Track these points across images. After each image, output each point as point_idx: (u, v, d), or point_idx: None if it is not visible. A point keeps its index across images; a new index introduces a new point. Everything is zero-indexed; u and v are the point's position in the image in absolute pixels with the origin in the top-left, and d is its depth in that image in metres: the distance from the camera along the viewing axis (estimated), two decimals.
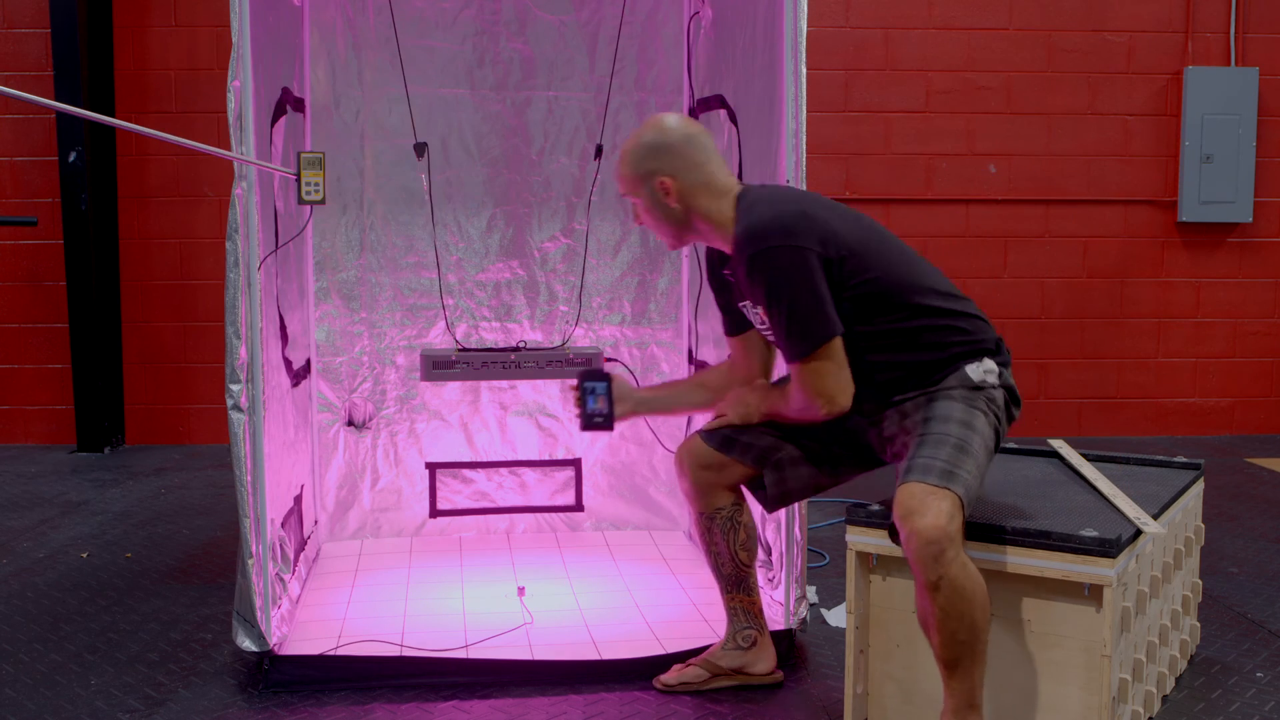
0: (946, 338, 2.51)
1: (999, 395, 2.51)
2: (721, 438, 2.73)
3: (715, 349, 3.67)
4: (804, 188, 2.91)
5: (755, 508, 3.34)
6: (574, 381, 2.81)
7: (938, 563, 2.22)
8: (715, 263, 2.75)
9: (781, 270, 2.40)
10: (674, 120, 2.61)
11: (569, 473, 4.21)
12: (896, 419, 2.52)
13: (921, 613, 2.30)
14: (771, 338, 2.60)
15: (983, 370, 2.48)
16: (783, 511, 3.02)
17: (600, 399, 2.78)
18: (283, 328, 3.33)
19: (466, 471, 4.17)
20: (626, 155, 2.60)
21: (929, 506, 2.23)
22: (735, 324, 2.75)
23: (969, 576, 2.26)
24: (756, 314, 2.61)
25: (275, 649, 2.84)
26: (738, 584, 2.84)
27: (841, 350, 2.46)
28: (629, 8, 4.05)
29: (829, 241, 2.44)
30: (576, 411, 2.82)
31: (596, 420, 2.78)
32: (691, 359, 4.06)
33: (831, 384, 2.46)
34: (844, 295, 2.46)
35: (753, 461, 2.71)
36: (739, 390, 2.75)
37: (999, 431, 2.50)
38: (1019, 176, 6.31)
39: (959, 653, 2.28)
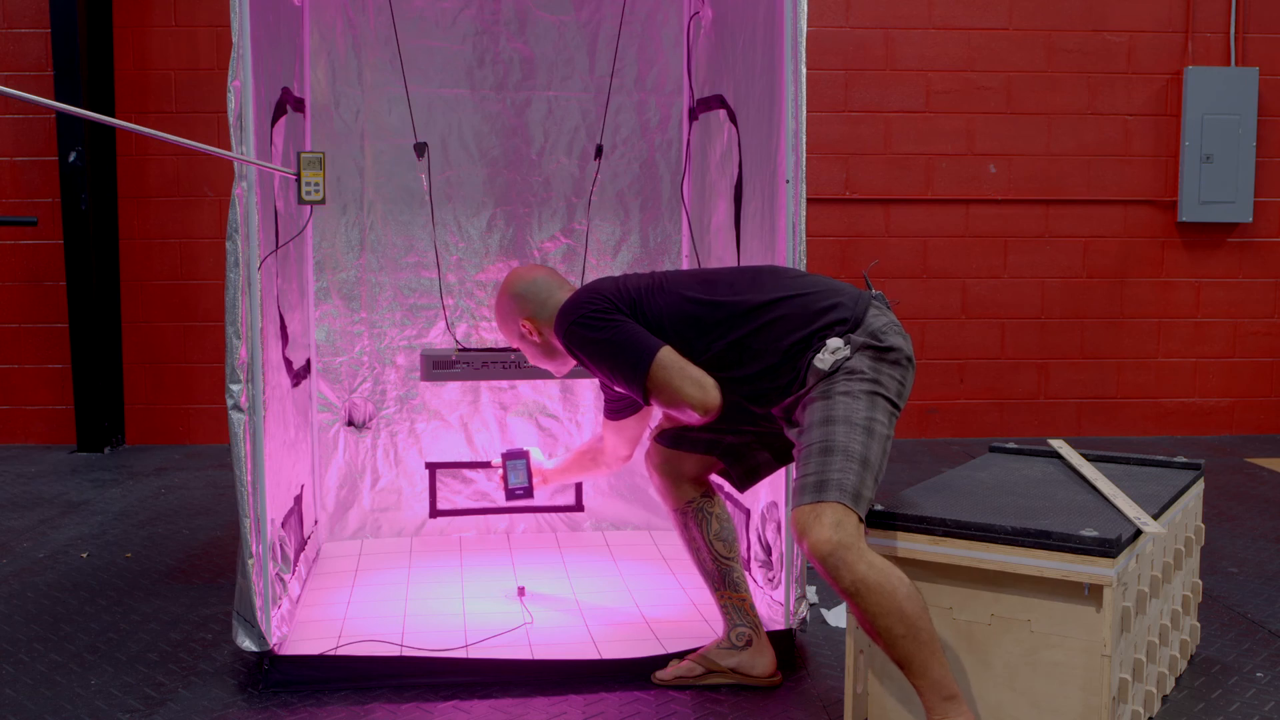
0: (772, 341, 2.54)
1: (858, 361, 2.47)
2: (671, 437, 2.86)
3: None
4: (804, 188, 2.92)
5: (754, 509, 3.35)
6: (498, 460, 3.33)
7: (842, 569, 2.26)
8: None
9: (584, 336, 2.66)
10: (519, 273, 2.91)
11: None
12: (790, 427, 2.57)
13: (859, 622, 2.35)
14: (623, 392, 2.75)
15: (829, 354, 2.48)
16: (783, 511, 3.03)
17: (520, 473, 3.30)
18: (283, 328, 3.33)
19: (466, 471, 4.17)
20: (496, 312, 2.95)
21: (811, 525, 2.30)
22: (613, 412, 2.95)
23: (879, 571, 2.28)
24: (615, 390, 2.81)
25: (275, 649, 2.84)
26: (723, 579, 2.87)
27: (672, 358, 2.59)
28: (629, 8, 4.05)
29: (617, 295, 2.68)
30: (501, 485, 3.30)
31: (518, 492, 3.29)
32: None
33: (682, 389, 2.58)
34: (664, 332, 2.62)
35: (703, 450, 2.82)
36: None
37: (876, 383, 2.46)
38: (1019, 176, 6.31)
39: (907, 649, 2.29)
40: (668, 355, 2.59)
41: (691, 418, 2.61)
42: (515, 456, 3.31)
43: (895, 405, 2.48)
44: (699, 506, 2.86)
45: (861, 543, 2.30)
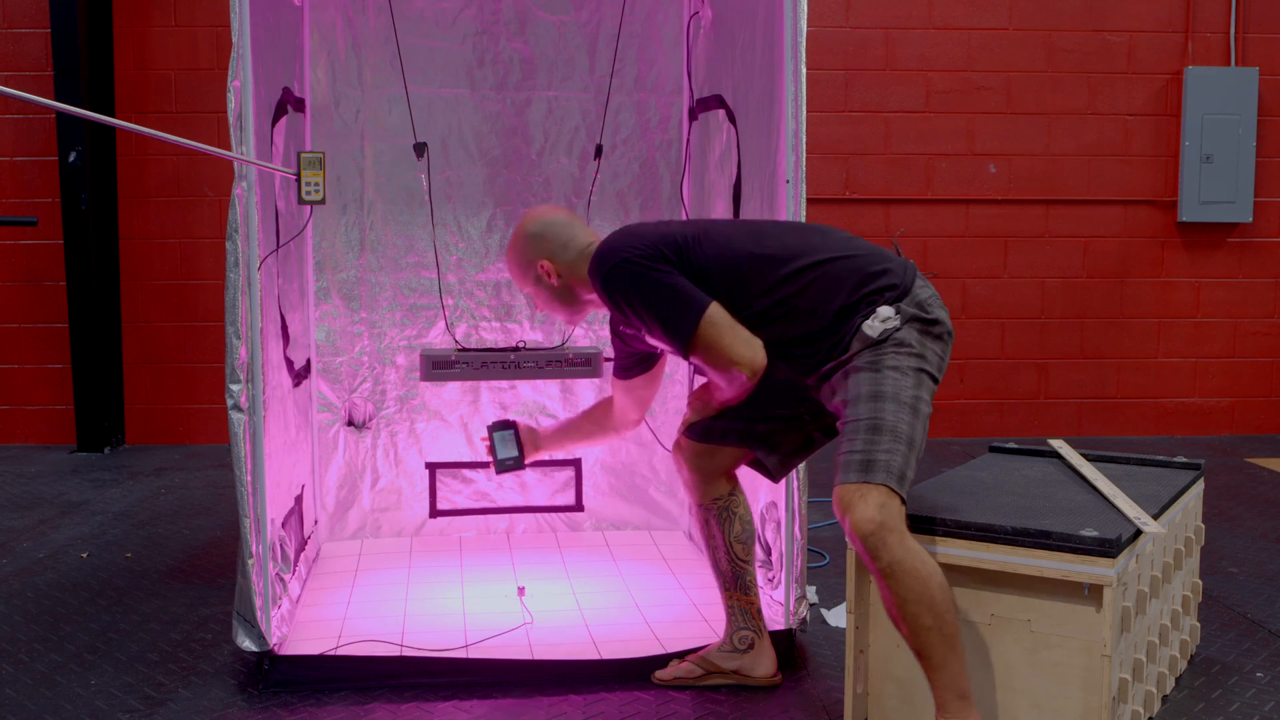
0: (820, 301, 2.48)
1: (907, 333, 2.45)
2: (701, 430, 2.78)
3: None
4: (804, 188, 2.91)
5: (754, 509, 3.34)
6: (485, 434, 3.05)
7: (881, 549, 2.28)
8: (615, 319, 2.82)
9: (629, 282, 2.53)
10: (536, 213, 2.79)
11: (569, 473, 4.21)
12: (829, 393, 2.52)
13: (886, 606, 2.35)
14: (668, 349, 2.65)
15: (879, 322, 2.44)
16: (782, 511, 3.03)
17: (510, 444, 3.09)
18: (284, 327, 3.33)
19: (466, 471, 4.17)
20: (509, 255, 2.80)
21: (856, 503, 2.30)
22: (623, 369, 2.87)
23: (916, 556, 2.29)
24: (639, 338, 2.72)
25: (275, 649, 2.84)
26: (735, 581, 2.85)
27: (722, 315, 2.50)
28: (629, 8, 4.05)
29: (662, 242, 2.55)
30: (489, 459, 3.10)
31: (508, 464, 3.09)
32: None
33: (732, 348, 2.50)
34: (709, 284, 2.52)
35: (736, 441, 2.76)
36: (696, 391, 2.81)
37: (922, 358, 2.45)
38: (1019, 176, 6.31)
39: (930, 640, 2.29)
40: (718, 312, 2.50)
41: (736, 380, 2.53)
42: (503, 427, 3.10)
43: (936, 380, 2.47)
44: (725, 505, 2.82)
45: (903, 526, 2.31)
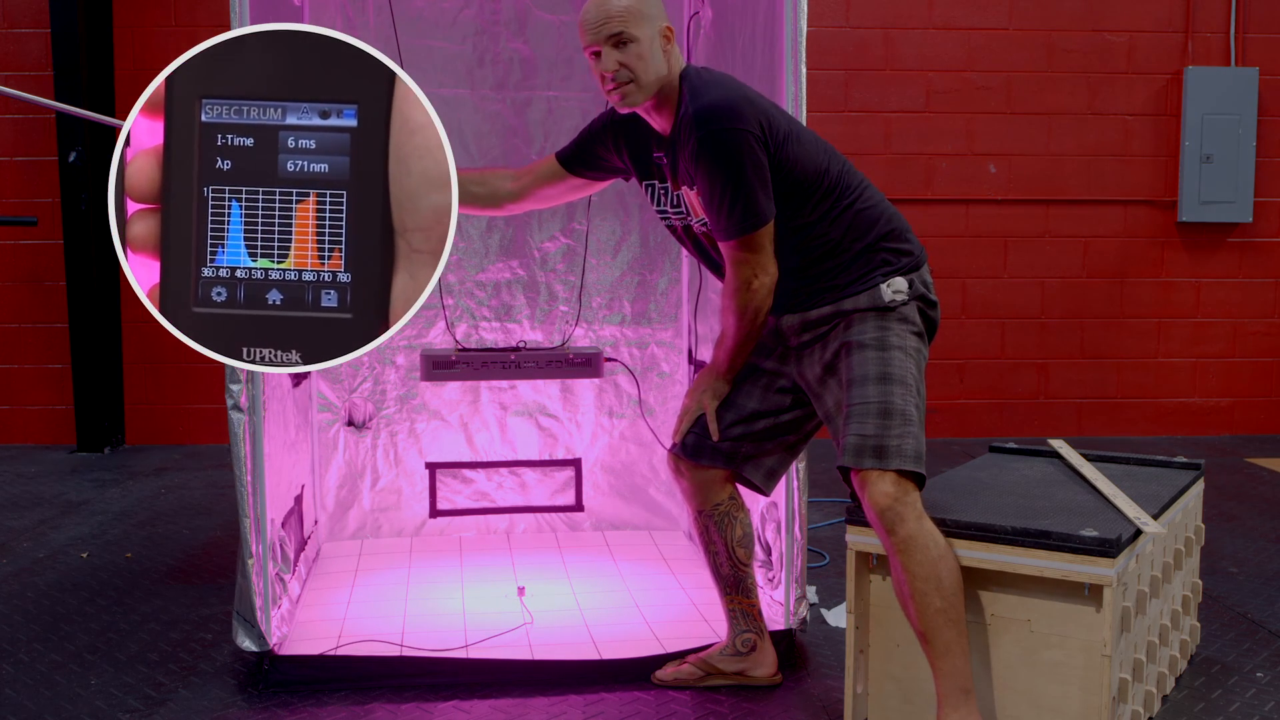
0: (850, 238, 2.54)
1: (910, 309, 2.55)
2: (692, 448, 2.76)
3: None
4: None
5: (754, 509, 3.34)
6: None
7: (898, 523, 2.35)
8: (621, 129, 2.71)
9: (729, 152, 2.43)
10: None
11: (569, 473, 4.21)
12: (815, 360, 2.58)
13: (896, 584, 2.39)
14: (703, 219, 2.61)
15: (892, 291, 2.52)
16: (783, 511, 3.03)
17: None
18: None
19: (466, 471, 4.17)
20: None
21: (876, 482, 2.38)
22: (575, 160, 2.78)
23: (930, 536, 2.36)
24: (678, 195, 2.66)
25: (275, 649, 2.84)
26: (736, 585, 2.84)
27: (772, 233, 2.52)
28: None
29: (771, 128, 2.49)
30: None
31: None
32: (691, 359, 4.06)
33: (765, 264, 2.52)
34: (778, 181, 2.51)
35: (723, 464, 2.75)
36: (699, 377, 2.78)
37: (921, 337, 2.57)
38: (1019, 176, 6.31)
39: (937, 623, 2.31)
40: (771, 230, 2.51)
41: (743, 293, 2.53)
42: None
43: (923, 358, 2.57)
44: (725, 511, 2.79)
45: (920, 506, 2.38)
